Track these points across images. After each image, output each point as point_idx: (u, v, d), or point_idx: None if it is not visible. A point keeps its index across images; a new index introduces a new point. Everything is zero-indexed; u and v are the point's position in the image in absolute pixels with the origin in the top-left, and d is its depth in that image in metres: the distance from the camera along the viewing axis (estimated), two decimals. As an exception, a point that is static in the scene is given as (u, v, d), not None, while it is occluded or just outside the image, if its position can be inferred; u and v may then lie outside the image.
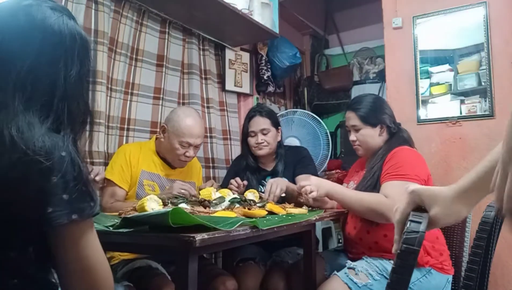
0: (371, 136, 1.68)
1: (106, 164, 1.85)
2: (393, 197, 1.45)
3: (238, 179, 1.85)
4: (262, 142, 1.99)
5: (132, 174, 1.72)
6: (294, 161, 2.06)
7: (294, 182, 1.90)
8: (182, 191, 1.56)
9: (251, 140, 2.03)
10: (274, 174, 2.02)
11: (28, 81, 0.68)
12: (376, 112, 1.69)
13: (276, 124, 2.06)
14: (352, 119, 1.71)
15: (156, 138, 1.84)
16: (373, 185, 1.58)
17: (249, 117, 2.07)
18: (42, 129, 0.65)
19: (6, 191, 0.61)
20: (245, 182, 1.85)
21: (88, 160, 1.77)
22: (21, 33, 0.70)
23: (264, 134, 2.00)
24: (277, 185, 1.74)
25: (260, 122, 2.01)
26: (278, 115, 2.34)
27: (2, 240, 0.65)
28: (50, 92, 0.70)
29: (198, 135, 1.75)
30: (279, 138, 2.08)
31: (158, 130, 1.98)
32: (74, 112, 0.73)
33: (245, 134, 2.07)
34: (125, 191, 1.71)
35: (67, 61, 0.73)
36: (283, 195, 1.92)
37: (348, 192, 1.60)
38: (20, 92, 0.67)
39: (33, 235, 0.66)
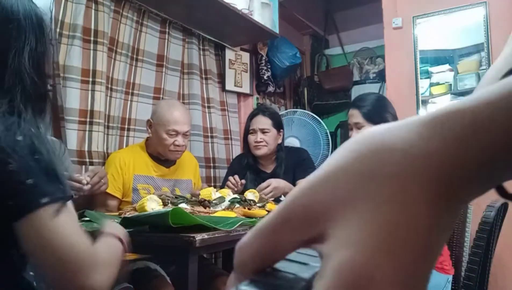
0: None
1: (105, 164, 1.85)
2: None
3: (236, 177, 1.85)
4: (261, 141, 1.99)
5: (124, 181, 1.69)
6: (294, 164, 2.06)
7: (294, 185, 1.90)
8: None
9: (251, 138, 2.03)
10: (273, 177, 2.02)
11: None
12: (379, 110, 1.69)
13: (278, 126, 2.05)
14: (356, 116, 1.71)
15: (147, 139, 1.83)
16: None
17: (252, 115, 2.08)
18: None
19: None
20: (243, 181, 1.85)
21: (87, 160, 1.77)
22: None
23: (264, 134, 2.00)
24: (273, 188, 1.75)
25: (262, 121, 2.02)
26: (278, 115, 2.34)
27: None
28: (1, 71, 0.66)
29: (183, 122, 1.73)
30: (279, 141, 2.08)
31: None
32: (30, 91, 0.68)
33: (246, 131, 2.07)
34: (118, 198, 1.69)
35: (19, 39, 0.69)
36: (282, 199, 1.92)
37: None
38: None
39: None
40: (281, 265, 0.20)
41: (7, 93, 0.65)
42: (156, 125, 1.73)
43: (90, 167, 1.72)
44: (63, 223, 0.61)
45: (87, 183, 1.35)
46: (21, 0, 0.71)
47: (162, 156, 1.78)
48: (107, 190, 1.62)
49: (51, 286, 0.65)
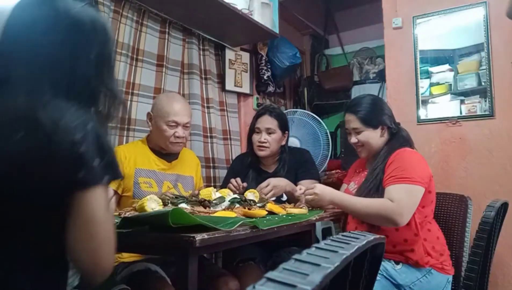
0: (373, 138, 1.67)
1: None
2: (398, 201, 1.45)
3: (238, 179, 1.85)
4: (265, 142, 1.99)
5: (124, 175, 1.70)
6: (296, 165, 2.05)
7: (296, 186, 1.89)
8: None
9: (255, 137, 2.03)
10: (275, 177, 2.01)
11: (53, 66, 0.74)
12: (376, 113, 1.68)
13: (283, 127, 2.05)
14: (353, 122, 1.69)
15: (148, 135, 1.83)
16: (376, 187, 1.57)
17: (258, 115, 2.07)
18: (68, 108, 0.70)
19: (38, 166, 0.66)
20: (245, 184, 1.84)
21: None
22: (45, 23, 0.75)
23: (269, 134, 2.00)
24: (273, 186, 1.75)
25: (268, 121, 2.01)
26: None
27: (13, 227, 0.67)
28: (73, 76, 0.75)
29: (183, 113, 1.73)
30: (283, 142, 2.07)
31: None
32: (96, 92, 0.79)
33: (251, 130, 2.07)
34: (113, 190, 1.68)
35: (87, 46, 0.78)
36: (284, 199, 1.92)
37: (353, 200, 1.58)
38: (46, 77, 0.72)
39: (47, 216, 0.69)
40: (294, 266, 0.21)
41: (76, 93, 0.75)
42: (156, 117, 1.73)
43: None
44: (106, 203, 0.71)
45: None
46: (87, 9, 0.80)
47: (163, 150, 1.77)
48: None
49: (74, 259, 0.72)
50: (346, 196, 1.61)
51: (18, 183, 0.66)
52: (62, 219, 0.69)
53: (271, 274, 0.21)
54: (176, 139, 1.73)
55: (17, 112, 0.68)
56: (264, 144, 1.99)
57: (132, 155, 1.72)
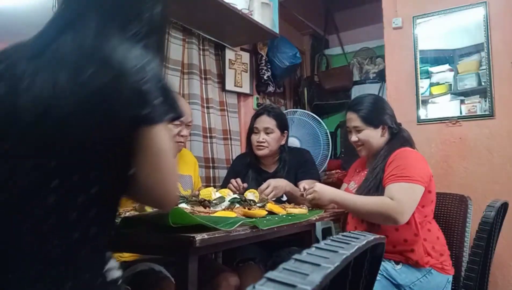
0: (374, 137, 1.67)
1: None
2: (398, 199, 1.45)
3: (238, 180, 1.85)
4: (263, 142, 1.99)
5: None
6: (296, 165, 2.05)
7: (296, 186, 1.89)
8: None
9: (254, 137, 2.03)
10: (275, 177, 2.01)
11: (122, 10, 0.78)
12: (377, 113, 1.68)
13: (282, 127, 2.05)
14: (354, 120, 1.69)
15: None
16: (376, 187, 1.57)
17: (257, 114, 2.07)
18: (134, 50, 0.74)
19: (105, 102, 0.68)
20: (245, 185, 1.84)
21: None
22: None
23: (267, 134, 2.00)
24: (273, 187, 1.75)
25: (266, 121, 2.01)
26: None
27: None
28: (139, 21, 0.80)
29: (187, 113, 1.77)
30: (283, 142, 2.07)
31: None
32: (158, 39, 0.84)
33: (250, 130, 2.07)
34: None
35: None
36: (284, 199, 1.92)
37: (353, 198, 1.58)
38: (115, 20, 0.77)
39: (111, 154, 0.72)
40: (294, 266, 0.21)
41: (140, 41, 0.79)
42: None
43: None
44: (170, 138, 0.76)
45: None
46: None
47: None
48: None
49: (144, 193, 0.76)
50: (346, 194, 1.61)
51: (87, 119, 0.68)
52: (127, 156, 0.72)
53: (271, 274, 0.21)
54: (179, 138, 1.74)
55: (87, 51, 0.71)
56: (262, 144, 1.99)
57: None
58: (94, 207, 0.70)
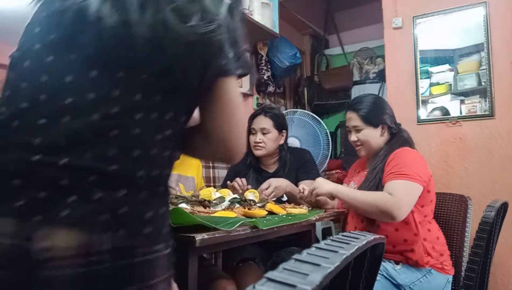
0: (373, 137, 1.67)
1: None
2: (397, 195, 1.45)
3: (243, 180, 1.85)
4: (260, 142, 1.99)
5: None
6: (296, 165, 2.05)
7: (297, 186, 1.89)
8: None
9: (251, 138, 2.03)
10: (275, 177, 2.01)
11: None
12: (377, 112, 1.68)
13: (279, 127, 2.04)
14: (354, 119, 1.70)
15: None
16: (376, 187, 1.57)
17: (254, 115, 2.07)
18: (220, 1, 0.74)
19: (203, 49, 0.71)
20: (249, 186, 1.84)
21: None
22: None
23: (264, 134, 2.00)
24: (274, 188, 1.75)
25: (262, 122, 2.01)
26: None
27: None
28: None
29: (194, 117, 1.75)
30: (281, 142, 2.07)
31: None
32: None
33: (248, 131, 2.07)
34: None
35: None
36: (284, 199, 1.92)
37: (352, 191, 1.59)
38: None
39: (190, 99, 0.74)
40: (294, 266, 0.21)
41: None
42: None
43: None
44: (240, 92, 0.78)
45: None
46: None
47: None
48: None
49: (218, 140, 0.78)
50: (345, 188, 1.63)
51: (189, 63, 0.71)
52: (203, 105, 0.76)
53: (271, 274, 0.21)
54: None
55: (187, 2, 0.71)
56: (259, 144, 2.00)
57: None
58: (167, 149, 0.72)
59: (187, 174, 1.88)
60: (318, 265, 0.22)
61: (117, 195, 0.64)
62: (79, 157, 0.62)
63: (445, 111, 2.25)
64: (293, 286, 0.20)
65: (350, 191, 1.59)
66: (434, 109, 2.29)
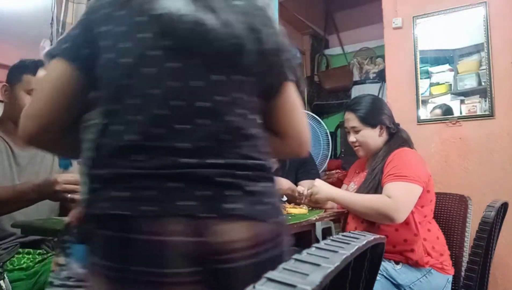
0: (371, 137, 1.67)
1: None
2: (396, 197, 1.45)
3: None
4: None
5: None
6: (296, 165, 2.05)
7: (297, 186, 1.89)
8: None
9: None
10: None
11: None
12: (375, 113, 1.68)
13: None
14: (352, 120, 1.70)
15: None
16: (375, 187, 1.57)
17: None
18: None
19: (277, 56, 0.78)
20: None
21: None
22: None
23: None
24: None
25: None
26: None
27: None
28: None
29: None
30: None
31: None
32: None
33: None
34: None
35: None
36: (284, 199, 1.92)
37: (350, 195, 1.60)
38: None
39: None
40: (294, 266, 0.21)
41: None
42: None
43: None
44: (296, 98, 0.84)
45: None
46: None
47: None
48: None
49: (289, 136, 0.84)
50: (344, 191, 1.63)
51: (268, 68, 0.76)
52: (276, 104, 0.81)
53: (271, 274, 0.21)
54: None
55: (261, 11, 0.78)
56: None
57: None
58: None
59: None
60: (318, 265, 0.22)
61: (268, 186, 0.72)
62: (225, 156, 0.69)
63: (445, 111, 2.25)
64: (293, 286, 0.20)
65: (348, 195, 1.60)
66: (434, 109, 2.29)
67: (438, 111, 2.27)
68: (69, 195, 1.20)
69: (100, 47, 0.71)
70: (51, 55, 0.74)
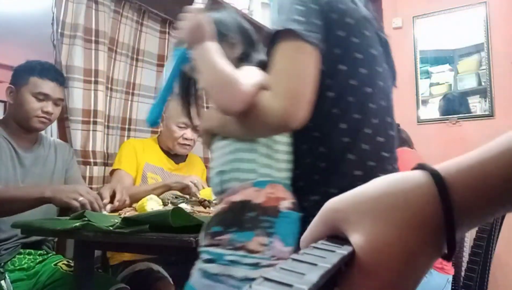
0: None
1: (105, 164, 1.85)
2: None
3: None
4: None
5: (137, 165, 1.72)
6: None
7: None
8: (195, 181, 1.57)
9: None
10: None
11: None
12: None
13: None
14: None
15: (159, 135, 1.86)
16: None
17: None
18: None
19: None
20: None
21: (91, 160, 1.77)
22: None
23: None
24: None
25: None
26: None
27: None
28: None
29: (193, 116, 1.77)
30: None
31: (159, 130, 1.98)
32: None
33: None
34: (132, 177, 1.69)
35: None
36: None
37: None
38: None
39: None
40: (291, 265, 0.21)
41: None
42: (167, 118, 1.77)
43: (107, 185, 1.57)
44: None
45: (110, 202, 1.34)
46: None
47: (172, 151, 1.80)
48: (123, 167, 1.64)
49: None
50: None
51: None
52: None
53: (268, 274, 0.21)
54: (184, 141, 1.75)
55: None
56: None
57: (143, 149, 1.76)
58: None
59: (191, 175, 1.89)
60: (315, 264, 0.22)
61: None
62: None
63: (445, 111, 2.25)
64: (290, 285, 0.20)
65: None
66: (434, 109, 2.29)
67: (438, 111, 2.27)
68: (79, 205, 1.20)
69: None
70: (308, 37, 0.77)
